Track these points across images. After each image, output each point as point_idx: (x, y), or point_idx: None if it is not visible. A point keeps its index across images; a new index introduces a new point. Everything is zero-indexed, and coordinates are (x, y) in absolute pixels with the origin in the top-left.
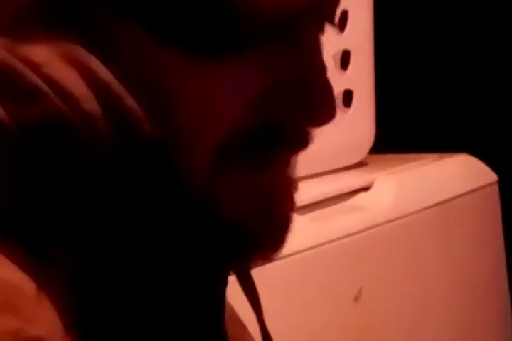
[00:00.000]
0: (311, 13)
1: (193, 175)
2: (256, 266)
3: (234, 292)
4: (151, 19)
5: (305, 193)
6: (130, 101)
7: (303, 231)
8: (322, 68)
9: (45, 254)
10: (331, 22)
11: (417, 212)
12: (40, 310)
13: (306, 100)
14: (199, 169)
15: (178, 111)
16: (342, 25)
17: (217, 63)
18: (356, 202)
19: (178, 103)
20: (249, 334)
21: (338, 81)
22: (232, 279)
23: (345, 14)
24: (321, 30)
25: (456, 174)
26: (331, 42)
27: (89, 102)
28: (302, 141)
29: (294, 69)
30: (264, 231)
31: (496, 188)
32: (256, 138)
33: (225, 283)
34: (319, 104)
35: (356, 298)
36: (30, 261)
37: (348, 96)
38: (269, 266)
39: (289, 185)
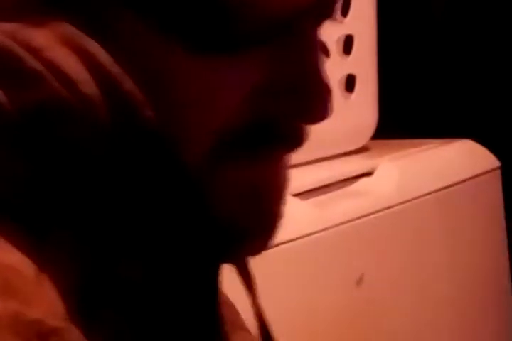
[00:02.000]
0: (312, 14)
1: (189, 164)
2: (245, 259)
3: (231, 279)
4: (152, 10)
5: (308, 179)
6: (130, 85)
7: (305, 217)
8: (319, 67)
9: (46, 237)
10: (332, 18)
11: (419, 197)
12: (40, 293)
13: (301, 98)
14: (194, 160)
15: (176, 101)
16: (345, 11)
17: (216, 57)
18: (358, 187)
19: (176, 93)
20: (241, 317)
21: (340, 66)
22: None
23: None
24: (321, 25)
25: (459, 160)
26: (333, 28)
27: (89, 86)
28: (297, 139)
29: (292, 67)
30: (254, 227)
31: (498, 174)
32: (251, 134)
33: (218, 269)
34: (314, 102)
35: (358, 283)
36: (31, 244)
37: (350, 82)
38: (271, 252)
39: (282, 181)
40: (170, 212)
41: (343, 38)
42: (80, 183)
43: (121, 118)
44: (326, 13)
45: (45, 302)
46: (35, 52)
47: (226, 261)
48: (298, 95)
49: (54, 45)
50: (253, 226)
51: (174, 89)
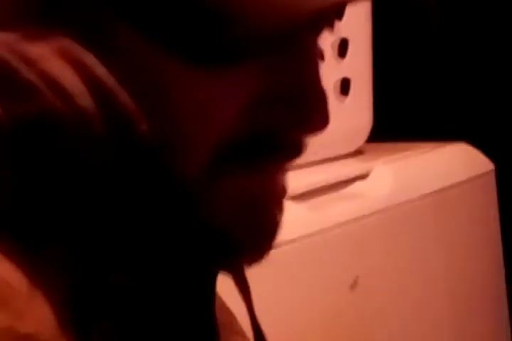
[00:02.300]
0: (311, 26)
1: (185, 177)
2: (243, 267)
3: (224, 282)
4: (148, 23)
5: (302, 181)
6: (125, 98)
7: (299, 220)
8: (317, 76)
9: (38, 250)
10: (330, 28)
11: (413, 200)
12: (32, 307)
13: (299, 108)
14: (191, 172)
15: (172, 113)
16: (339, 15)
17: (213, 69)
18: (353, 190)
19: (172, 105)
20: (237, 321)
21: (335, 69)
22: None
23: None
24: (320, 34)
25: (453, 162)
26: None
27: (84, 98)
28: (295, 149)
29: (289, 78)
30: (252, 238)
31: (492, 177)
32: (249, 145)
33: (215, 275)
34: (313, 113)
35: (352, 287)
36: (23, 257)
37: (345, 85)
38: None
39: (279, 191)
40: (165, 223)
41: (337, 42)
42: (73, 195)
43: (116, 131)
44: (326, 25)
45: (36, 316)
46: (30, 63)
47: (224, 269)
48: (296, 105)
49: (50, 57)
50: (251, 237)
51: (170, 101)
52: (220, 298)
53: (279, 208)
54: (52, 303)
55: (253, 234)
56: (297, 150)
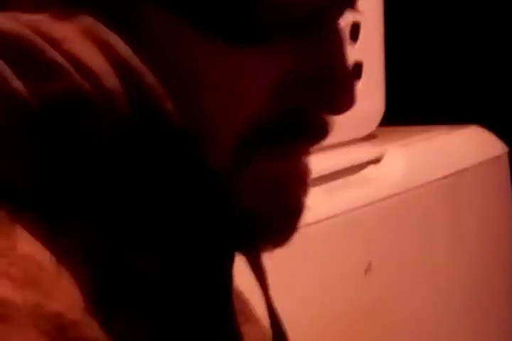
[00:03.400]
0: (337, 4)
1: (214, 159)
2: (265, 252)
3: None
4: (178, 2)
5: (315, 166)
6: (151, 78)
7: (312, 204)
8: (344, 56)
9: (64, 230)
10: (353, 8)
11: (427, 184)
12: (60, 285)
13: (327, 87)
14: (218, 153)
15: (200, 94)
16: None
17: (242, 50)
18: (366, 174)
19: (201, 86)
20: (253, 308)
21: (347, 53)
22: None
23: None
24: (343, 15)
25: (466, 146)
26: None
27: (110, 78)
28: (321, 131)
29: (318, 58)
30: (277, 221)
31: (505, 159)
32: (277, 128)
33: (233, 259)
34: (340, 91)
35: (366, 271)
36: (50, 236)
37: (357, 69)
38: None
39: (304, 174)
40: (191, 205)
41: (349, 25)
42: (98, 175)
43: (142, 112)
44: (350, 2)
45: (64, 294)
46: (56, 44)
47: (242, 253)
48: (323, 86)
49: (75, 38)
50: (275, 219)
51: (197, 82)
52: (234, 285)
53: (303, 190)
54: (79, 283)
55: (278, 216)
56: (323, 131)
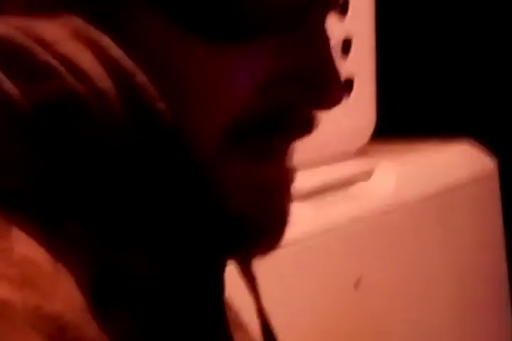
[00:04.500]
0: (321, 1)
1: (200, 156)
2: (255, 258)
3: (233, 280)
4: (165, 1)
5: (306, 180)
6: (142, 78)
7: (303, 219)
8: (330, 53)
9: (61, 230)
10: (335, 8)
11: (417, 199)
12: (59, 286)
13: (314, 83)
14: (206, 151)
15: (188, 92)
16: (343, 12)
17: (228, 46)
18: (356, 189)
19: (188, 83)
20: (240, 317)
21: (339, 67)
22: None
23: (346, 0)
24: (327, 15)
25: (457, 162)
26: (332, 29)
27: (103, 80)
28: (307, 127)
29: (304, 54)
30: (264, 225)
31: (496, 175)
32: (262, 124)
33: (224, 266)
34: (327, 87)
35: (356, 286)
36: (47, 237)
37: (349, 83)
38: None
39: (288, 177)
40: (181, 205)
41: (341, 39)
42: (92, 176)
43: (135, 112)
44: (332, 2)
45: (64, 295)
46: (47, 46)
47: (234, 258)
48: (310, 82)
49: (66, 40)
50: (264, 221)
51: (186, 80)
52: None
53: (288, 196)
54: (77, 283)
55: (265, 220)
56: (309, 127)
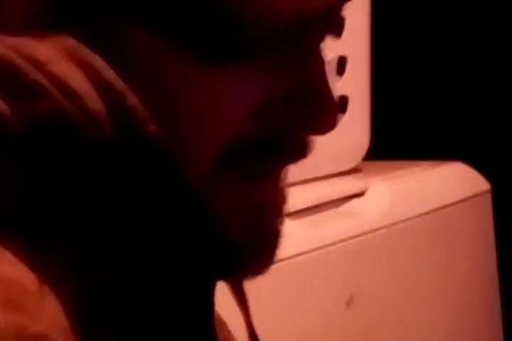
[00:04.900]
0: (317, 24)
1: (193, 180)
2: (247, 278)
3: (222, 297)
4: (159, 22)
5: (299, 198)
6: (134, 100)
7: (296, 237)
8: (325, 77)
9: (48, 251)
10: (333, 32)
11: (410, 218)
12: (43, 306)
13: (309, 108)
14: (198, 174)
15: (181, 113)
16: (338, 31)
17: (223, 69)
18: (350, 207)
19: (182, 106)
20: (232, 336)
21: (333, 87)
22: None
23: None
24: (323, 39)
25: (450, 182)
26: (327, 48)
27: (94, 101)
28: (302, 150)
29: (299, 77)
30: (256, 246)
31: (488, 196)
32: (256, 147)
33: (214, 286)
34: (322, 112)
35: (348, 304)
36: (33, 257)
37: (343, 103)
38: None
39: (281, 197)
40: (172, 227)
41: (336, 59)
42: (81, 197)
43: (125, 134)
44: (329, 26)
45: (48, 316)
46: (39, 65)
47: (225, 279)
48: (305, 106)
49: (58, 59)
50: (256, 243)
51: (179, 102)
52: (216, 311)
53: (280, 218)
54: (63, 304)
55: (257, 242)
56: (303, 151)
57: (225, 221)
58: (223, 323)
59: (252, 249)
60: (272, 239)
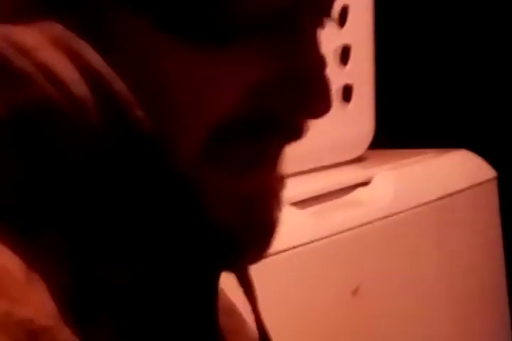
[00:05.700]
0: (310, 5)
1: (183, 164)
2: (244, 267)
3: (230, 286)
4: (147, 5)
5: (304, 188)
6: (120, 86)
7: (302, 226)
8: (320, 61)
9: (36, 237)
10: (328, 16)
11: (415, 207)
12: (29, 292)
13: (302, 91)
14: (188, 162)
15: (171, 98)
16: (342, 20)
17: (216, 50)
18: (355, 197)
19: (172, 89)
20: (250, 328)
21: (338, 76)
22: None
23: (345, 9)
24: (320, 24)
25: (455, 170)
26: (331, 37)
27: (79, 87)
28: (295, 132)
29: (293, 61)
30: (252, 234)
31: (494, 184)
32: (249, 128)
33: (217, 275)
34: (316, 96)
35: (354, 293)
36: (22, 245)
37: (347, 91)
38: (267, 261)
39: (277, 185)
40: (163, 214)
41: (340, 48)
42: (70, 184)
43: (112, 119)
44: (324, 8)
45: (34, 301)
46: (24, 53)
47: (225, 269)
48: (299, 88)
49: (44, 46)
50: (250, 233)
51: (170, 86)
52: (230, 301)
53: (276, 204)
54: (52, 291)
55: (252, 230)
56: (297, 133)
57: (214, 208)
58: (238, 315)
59: (246, 237)
60: (266, 226)
